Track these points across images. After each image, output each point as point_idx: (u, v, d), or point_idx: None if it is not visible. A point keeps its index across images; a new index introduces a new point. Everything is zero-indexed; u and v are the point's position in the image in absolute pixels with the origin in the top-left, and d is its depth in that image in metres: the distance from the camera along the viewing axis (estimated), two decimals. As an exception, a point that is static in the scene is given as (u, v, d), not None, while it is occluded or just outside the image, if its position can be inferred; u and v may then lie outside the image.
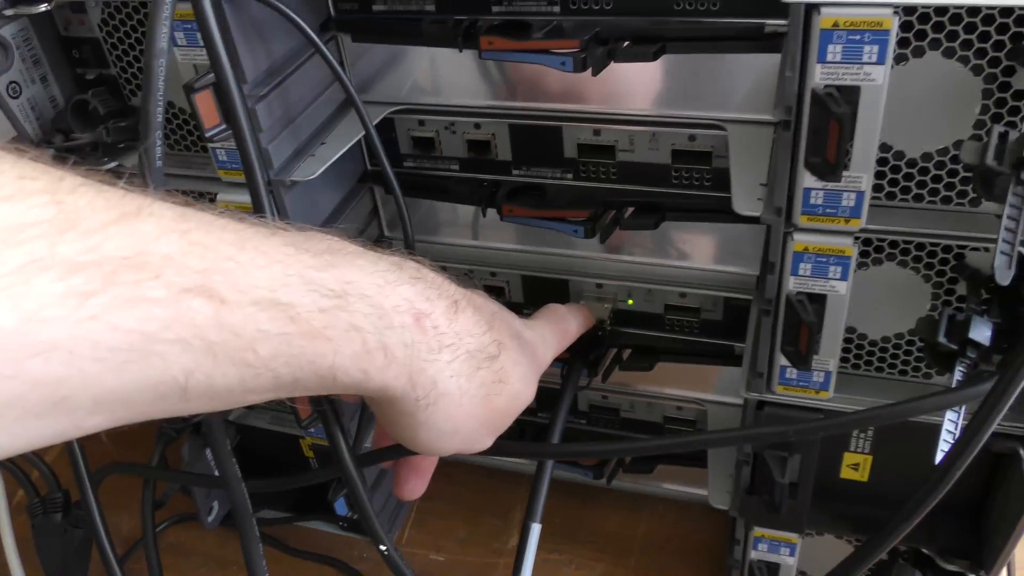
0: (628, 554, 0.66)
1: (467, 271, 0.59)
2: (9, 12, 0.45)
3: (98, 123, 0.48)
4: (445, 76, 0.52)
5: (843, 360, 0.46)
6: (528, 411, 0.65)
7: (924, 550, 0.52)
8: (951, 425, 0.37)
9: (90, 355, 0.24)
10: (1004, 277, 0.31)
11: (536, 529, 0.49)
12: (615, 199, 0.52)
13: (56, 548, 0.62)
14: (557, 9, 0.46)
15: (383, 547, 0.43)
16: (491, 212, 0.54)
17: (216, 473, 0.56)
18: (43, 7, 0.45)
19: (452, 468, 0.74)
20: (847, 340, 0.46)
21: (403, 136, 0.55)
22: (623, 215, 0.51)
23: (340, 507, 0.64)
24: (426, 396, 0.35)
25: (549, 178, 0.53)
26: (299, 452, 0.65)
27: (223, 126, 0.43)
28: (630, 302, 0.57)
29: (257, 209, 0.43)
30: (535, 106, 0.51)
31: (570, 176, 0.53)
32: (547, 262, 0.58)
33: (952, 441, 0.36)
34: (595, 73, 0.45)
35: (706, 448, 0.58)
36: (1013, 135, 0.32)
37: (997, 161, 0.32)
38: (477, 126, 0.53)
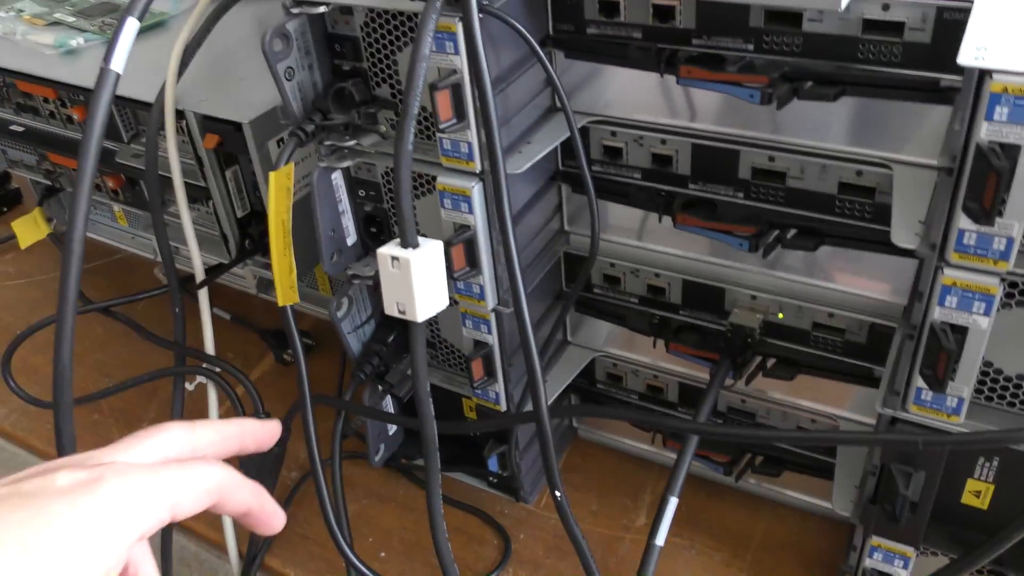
0: (746, 549, 0.71)
1: (633, 270, 0.66)
2: (296, 10, 0.55)
3: (351, 107, 0.57)
4: (638, 95, 0.59)
5: (977, 391, 0.50)
6: (668, 405, 0.71)
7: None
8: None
9: None
10: None
11: (673, 503, 0.55)
12: (780, 220, 0.58)
13: (252, 462, 0.73)
14: (751, 47, 0.52)
15: (557, 492, 0.51)
16: (664, 219, 0.61)
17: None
18: (322, 9, 0.55)
19: (590, 448, 0.81)
20: (984, 373, 0.50)
21: (595, 143, 0.62)
22: (786, 235, 0.57)
23: (492, 464, 0.72)
24: None
25: (722, 195, 0.59)
26: (460, 411, 0.74)
27: (454, 120, 0.52)
28: (780, 316, 0.62)
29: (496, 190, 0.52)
30: (718, 130, 0.57)
31: (741, 195, 0.59)
32: (707, 270, 0.64)
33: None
34: (779, 107, 0.51)
35: (844, 444, 0.63)
36: None
37: None
38: (663, 141, 0.59)
